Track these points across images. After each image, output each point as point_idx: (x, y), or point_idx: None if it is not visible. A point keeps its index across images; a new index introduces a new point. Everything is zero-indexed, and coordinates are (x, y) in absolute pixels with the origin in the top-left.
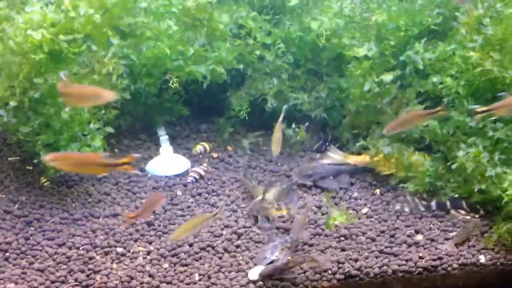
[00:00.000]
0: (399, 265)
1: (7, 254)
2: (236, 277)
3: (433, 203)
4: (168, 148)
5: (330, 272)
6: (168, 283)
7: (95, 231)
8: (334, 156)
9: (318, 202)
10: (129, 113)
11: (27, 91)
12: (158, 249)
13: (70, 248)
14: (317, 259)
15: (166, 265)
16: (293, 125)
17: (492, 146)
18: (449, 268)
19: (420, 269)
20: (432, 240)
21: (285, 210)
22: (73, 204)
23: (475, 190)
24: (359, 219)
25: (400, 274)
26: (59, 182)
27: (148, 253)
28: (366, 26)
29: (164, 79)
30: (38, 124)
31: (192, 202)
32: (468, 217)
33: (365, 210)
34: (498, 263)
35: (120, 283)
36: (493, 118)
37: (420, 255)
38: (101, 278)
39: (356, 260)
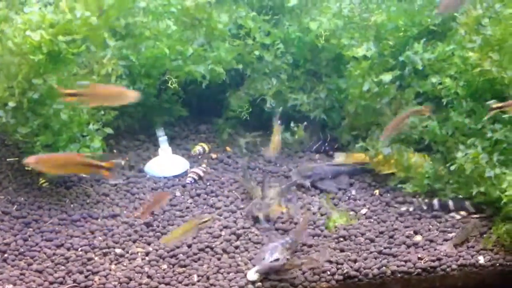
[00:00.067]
0: (398, 266)
1: (6, 255)
2: (234, 278)
3: (435, 202)
4: (167, 149)
5: (329, 273)
6: (166, 284)
7: (94, 232)
8: (340, 159)
9: (317, 203)
10: (128, 114)
11: (26, 92)
12: (156, 250)
13: (68, 249)
14: (315, 260)
15: (164, 266)
16: (292, 124)
17: (491, 147)
18: (448, 269)
19: (419, 270)
20: (431, 241)
21: (285, 208)
22: (72, 205)
23: (474, 193)
24: (358, 219)
25: (399, 275)
26: (57, 183)
27: (147, 254)
28: (365, 27)
29: (163, 79)
30: (37, 125)
31: (191, 203)
32: (468, 218)
33: (364, 210)
34: (497, 264)
35: (119, 284)
36: (492, 119)
37: (419, 256)
38: (99, 279)
39: (355, 261)
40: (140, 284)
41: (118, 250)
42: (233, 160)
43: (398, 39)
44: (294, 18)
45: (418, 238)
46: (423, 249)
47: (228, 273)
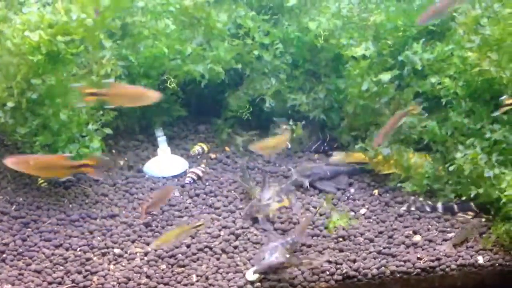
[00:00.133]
0: (397, 266)
1: (4, 255)
2: (233, 278)
3: (439, 206)
4: (166, 149)
5: (328, 273)
6: (165, 284)
7: (92, 232)
8: (337, 157)
9: (316, 203)
10: (127, 114)
11: (25, 92)
12: (155, 250)
13: (67, 249)
14: (314, 260)
15: (163, 266)
16: (291, 122)
17: (490, 147)
18: (447, 269)
19: (418, 270)
20: (431, 241)
21: (287, 201)
22: (70, 205)
23: (472, 195)
24: (357, 219)
25: (398, 275)
26: (56, 183)
27: (146, 254)
28: (364, 27)
29: (162, 79)
30: (36, 125)
31: (190, 203)
32: (467, 218)
33: (363, 211)
34: (497, 264)
35: (117, 284)
36: (491, 119)
37: (418, 256)
38: (98, 279)
39: (354, 261)
40: (139, 284)
41: (116, 250)
42: (232, 160)
43: (397, 39)
44: (293, 18)
45: (417, 238)
46: (423, 249)
47: (227, 273)
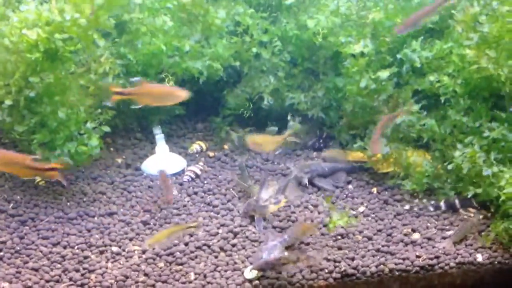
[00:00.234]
0: (396, 264)
1: (2, 253)
2: (232, 276)
3: (442, 204)
4: (164, 147)
5: (326, 271)
6: (163, 282)
7: (90, 230)
8: (327, 153)
9: (314, 201)
10: (125, 112)
11: (23, 90)
12: (153, 248)
13: (65, 247)
14: (312, 257)
15: (161, 264)
16: (289, 117)
17: (489, 145)
18: (446, 267)
19: (417, 268)
20: (429, 239)
21: (284, 202)
22: (68, 203)
23: (469, 195)
24: (356, 217)
25: (397, 273)
26: (53, 182)
27: (144, 252)
28: (362, 25)
29: (160, 78)
30: (34, 123)
31: (188, 201)
32: (469, 215)
33: (362, 209)
34: (496, 262)
35: (115, 282)
36: (489, 117)
37: (417, 254)
38: (96, 277)
39: (352, 259)
40: (136, 282)
41: (114, 248)
42: (230, 158)
43: (396, 36)
44: (292, 16)
45: (416, 236)
46: (421, 247)
47: (226, 271)
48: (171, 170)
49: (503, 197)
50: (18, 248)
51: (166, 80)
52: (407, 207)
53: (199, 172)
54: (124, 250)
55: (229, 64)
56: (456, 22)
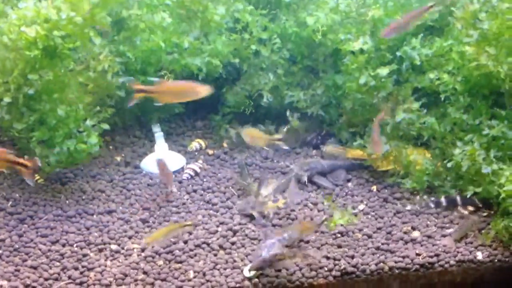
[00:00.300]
0: (395, 262)
1: (0, 251)
2: (231, 274)
3: (443, 200)
4: (163, 145)
5: (326, 269)
6: (162, 280)
7: (89, 228)
8: (329, 148)
9: (314, 199)
10: (124, 110)
11: (22, 88)
12: (152, 246)
13: (63, 245)
14: (310, 255)
15: (160, 262)
16: (288, 113)
17: (488, 143)
18: (446, 265)
19: (417, 266)
20: (429, 236)
21: (282, 202)
22: (67, 201)
23: (468, 195)
24: (356, 215)
25: (397, 271)
26: (52, 180)
27: (143, 250)
28: (362, 22)
29: (159, 75)
30: (33, 120)
31: (187, 199)
32: (467, 213)
33: (361, 206)
34: (496, 260)
35: (114, 280)
36: (489, 115)
37: (417, 252)
38: (95, 275)
39: (352, 257)
40: (135, 280)
41: (113, 246)
42: (229, 156)
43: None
44: (291, 13)
45: (416, 234)
46: (421, 245)
47: (225, 269)
48: (171, 168)
49: (503, 195)
50: (17, 246)
51: (165, 78)
52: (408, 207)
53: (198, 170)
54: (123, 248)
55: (228, 61)
56: (455, 19)
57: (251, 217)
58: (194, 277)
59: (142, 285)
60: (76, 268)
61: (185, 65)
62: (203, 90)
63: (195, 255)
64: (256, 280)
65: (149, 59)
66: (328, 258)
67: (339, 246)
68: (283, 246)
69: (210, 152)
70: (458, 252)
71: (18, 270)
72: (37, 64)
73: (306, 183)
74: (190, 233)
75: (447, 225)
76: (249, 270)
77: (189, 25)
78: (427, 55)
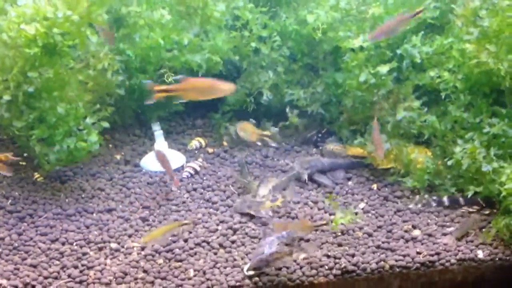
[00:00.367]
0: (396, 261)
1: (0, 250)
2: (231, 272)
3: (445, 199)
4: (163, 144)
5: (326, 267)
6: (162, 278)
7: (89, 227)
8: (331, 146)
9: (314, 198)
10: (124, 108)
11: (21, 85)
12: (152, 245)
13: (63, 244)
14: (305, 249)
15: (160, 261)
16: (287, 109)
17: (489, 141)
18: (447, 264)
19: (418, 264)
20: (430, 235)
21: (280, 201)
22: (67, 200)
23: (469, 195)
24: (356, 213)
25: (398, 270)
26: (52, 178)
27: (143, 248)
28: (362, 19)
29: (159, 73)
30: (33, 118)
31: (187, 198)
32: (468, 212)
33: (362, 205)
34: (497, 258)
35: (114, 279)
36: (490, 113)
37: (418, 250)
38: (94, 274)
39: (353, 256)
40: (135, 278)
41: (113, 245)
42: (229, 154)
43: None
44: (291, 11)
45: (416, 232)
46: (422, 244)
47: (225, 267)
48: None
49: (504, 193)
50: (16, 244)
51: (165, 76)
52: (411, 206)
53: (198, 169)
54: (123, 247)
55: (228, 58)
56: (456, 16)
57: (250, 216)
58: (194, 275)
59: (142, 284)
60: (75, 267)
61: (185, 62)
62: (228, 88)
63: (195, 253)
64: (257, 278)
65: (148, 57)
66: (328, 256)
67: (340, 245)
68: (283, 244)
69: (210, 150)
70: (459, 250)
71: (18, 269)
72: (37, 61)
73: (307, 181)
74: (190, 232)
75: (448, 223)
76: (247, 270)
77: (188, 21)
78: (427, 53)
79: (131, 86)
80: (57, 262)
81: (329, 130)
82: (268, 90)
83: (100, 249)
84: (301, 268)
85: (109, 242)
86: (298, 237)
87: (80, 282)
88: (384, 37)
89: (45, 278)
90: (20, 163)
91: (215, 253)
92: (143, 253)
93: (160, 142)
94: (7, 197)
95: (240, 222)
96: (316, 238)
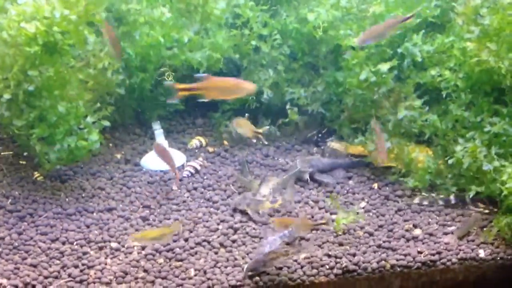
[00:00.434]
0: (397, 260)
1: (0, 249)
2: (232, 272)
3: (452, 198)
4: (163, 143)
5: (327, 267)
6: (163, 278)
7: (89, 226)
8: (334, 145)
9: (315, 197)
10: (124, 107)
11: (22, 84)
12: (153, 244)
13: (63, 243)
14: (306, 248)
15: (161, 260)
16: (287, 106)
17: (490, 140)
18: (448, 263)
19: (419, 264)
20: (431, 234)
21: (280, 202)
22: (67, 199)
23: (470, 195)
24: (357, 213)
25: (399, 269)
26: (52, 177)
27: (143, 248)
28: (363, 18)
29: (159, 72)
30: (33, 117)
31: (187, 197)
32: (470, 211)
33: (363, 204)
34: (498, 258)
35: (114, 278)
36: (491, 111)
37: (419, 249)
38: (95, 273)
39: (354, 255)
40: (136, 278)
41: (114, 244)
42: (230, 153)
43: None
44: (292, 9)
45: (417, 231)
46: (423, 243)
47: (226, 267)
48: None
49: (505, 192)
50: (17, 244)
51: (166, 75)
52: (416, 200)
53: (198, 168)
54: (123, 246)
55: (228, 56)
56: (457, 15)
57: (243, 213)
58: (195, 275)
59: (143, 283)
60: (76, 266)
61: (185, 60)
62: (250, 87)
63: (196, 253)
64: (257, 278)
65: (148, 55)
66: (329, 256)
67: (341, 244)
68: (284, 243)
69: (211, 149)
70: (460, 250)
71: (18, 268)
72: (37, 60)
73: (308, 181)
74: (191, 231)
75: (449, 222)
76: (245, 273)
77: (189, 19)
78: (428, 51)
79: (131, 85)
80: (58, 262)
81: (330, 129)
82: (268, 89)
83: (101, 248)
84: (302, 267)
85: (110, 241)
86: (298, 236)
87: (81, 281)
88: (372, 42)
89: (45, 277)
90: (20, 162)
91: (216, 253)
92: (143, 252)
93: (161, 141)
94: (7, 196)
95: (241, 222)
96: (317, 237)
